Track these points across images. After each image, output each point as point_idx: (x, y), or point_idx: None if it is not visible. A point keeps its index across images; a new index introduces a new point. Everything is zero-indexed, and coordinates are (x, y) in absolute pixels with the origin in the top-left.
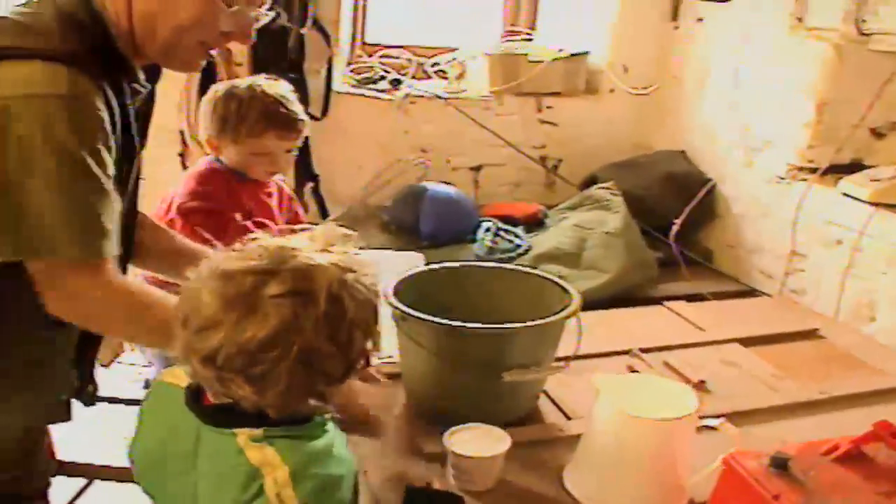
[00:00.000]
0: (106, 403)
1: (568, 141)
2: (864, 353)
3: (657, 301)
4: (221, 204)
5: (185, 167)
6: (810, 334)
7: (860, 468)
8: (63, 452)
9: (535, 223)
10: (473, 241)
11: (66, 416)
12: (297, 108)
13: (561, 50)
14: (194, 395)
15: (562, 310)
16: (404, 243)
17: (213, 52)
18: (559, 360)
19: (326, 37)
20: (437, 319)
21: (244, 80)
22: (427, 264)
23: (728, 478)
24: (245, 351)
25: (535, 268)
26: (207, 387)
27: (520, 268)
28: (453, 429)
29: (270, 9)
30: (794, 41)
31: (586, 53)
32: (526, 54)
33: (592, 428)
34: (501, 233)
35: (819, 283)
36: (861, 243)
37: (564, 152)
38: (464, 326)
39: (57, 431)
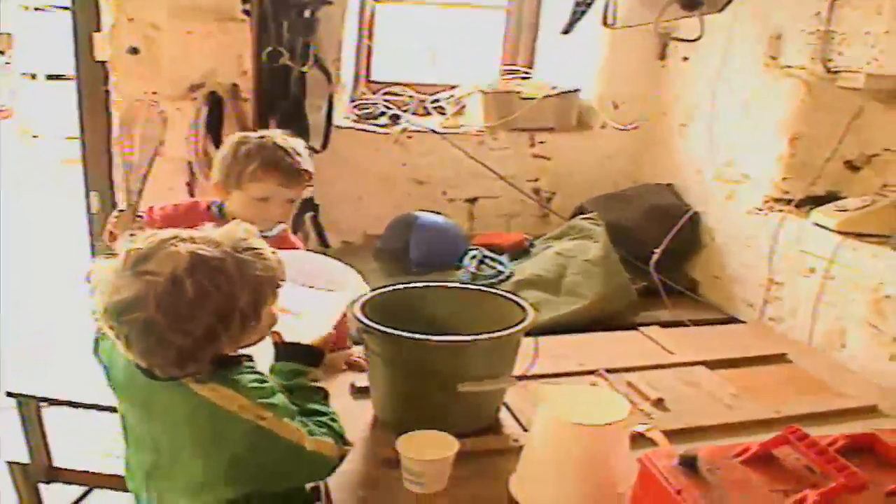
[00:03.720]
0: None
1: (561, 174)
2: (829, 378)
3: (637, 327)
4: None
5: (191, 195)
6: (778, 359)
7: (766, 469)
8: (60, 460)
9: (520, 251)
10: (460, 268)
11: None
12: (305, 161)
13: (554, 87)
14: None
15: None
16: (394, 270)
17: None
18: (519, 377)
19: (327, 75)
20: (395, 332)
21: (260, 132)
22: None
23: (643, 475)
24: (112, 311)
25: (516, 293)
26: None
27: (482, 287)
28: (406, 435)
29: (273, 50)
30: (768, 78)
31: (577, 90)
32: (519, 91)
33: (532, 435)
34: (487, 260)
35: (795, 311)
36: (832, 271)
37: (557, 185)
38: (421, 339)
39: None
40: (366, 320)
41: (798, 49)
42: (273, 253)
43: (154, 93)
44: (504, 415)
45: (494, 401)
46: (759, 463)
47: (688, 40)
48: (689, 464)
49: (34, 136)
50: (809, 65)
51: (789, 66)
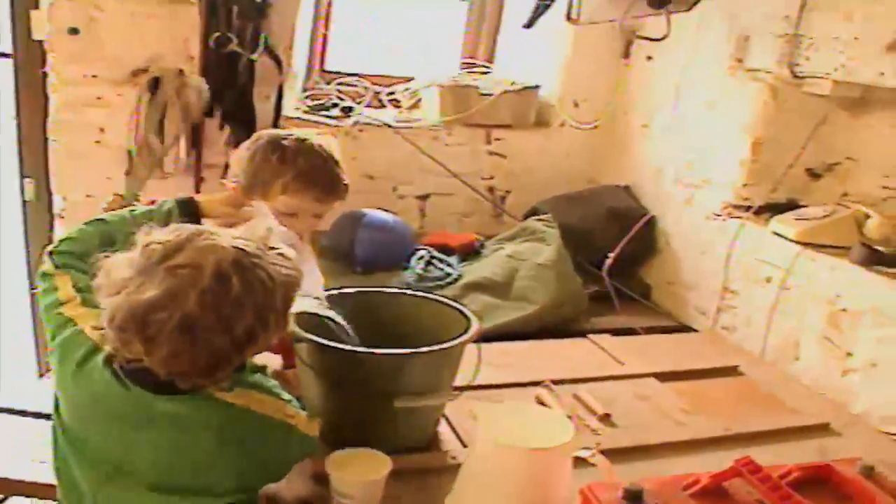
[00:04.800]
0: (19, 417)
1: (516, 173)
2: (782, 392)
3: (587, 334)
4: None
5: None
6: (730, 371)
7: (716, 503)
8: None
9: (470, 253)
10: (407, 268)
11: None
12: (343, 170)
13: (513, 83)
14: (141, 373)
15: (458, 336)
16: (338, 269)
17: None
18: (457, 388)
19: (278, 63)
20: (325, 342)
21: (292, 131)
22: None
23: None
24: (136, 312)
25: (463, 297)
26: (114, 350)
27: (424, 294)
28: (336, 453)
29: (221, 35)
30: (733, 81)
31: (537, 87)
32: (477, 86)
33: (470, 456)
34: (434, 261)
35: (749, 321)
36: (788, 282)
37: (513, 184)
38: (352, 351)
39: None
40: (296, 329)
41: (765, 52)
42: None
43: (94, 76)
44: (444, 428)
45: (433, 415)
46: (709, 497)
47: (654, 39)
48: (634, 498)
49: None
50: (776, 69)
51: (755, 70)
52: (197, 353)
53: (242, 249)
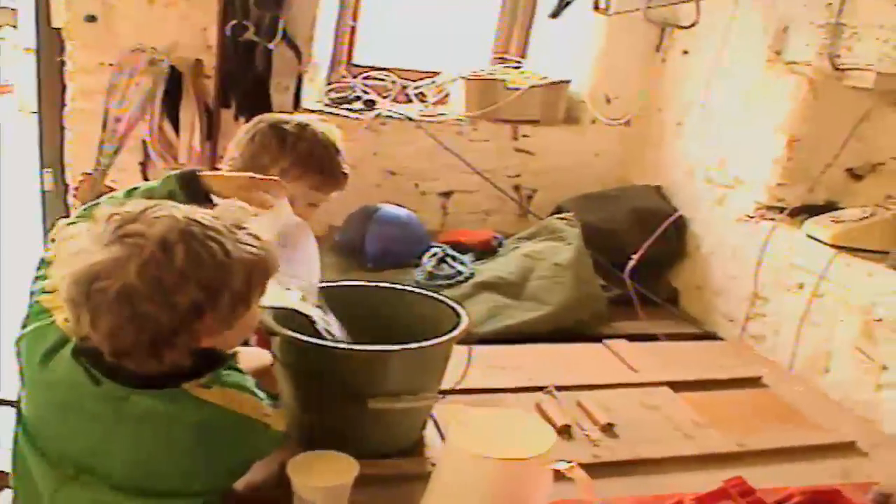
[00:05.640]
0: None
1: (544, 171)
2: (807, 407)
3: (605, 339)
4: None
5: (145, 178)
6: (752, 383)
7: None
8: None
9: (487, 251)
10: (418, 265)
11: None
12: (344, 159)
13: (542, 77)
14: (116, 368)
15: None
16: (350, 265)
17: None
18: (446, 391)
19: (297, 53)
20: (295, 336)
21: (294, 116)
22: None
23: None
24: (80, 280)
25: (473, 296)
26: (73, 332)
27: (417, 290)
28: (301, 455)
29: (238, 24)
30: (771, 75)
31: (567, 82)
32: (503, 80)
33: (440, 464)
34: (448, 259)
35: (778, 330)
36: (821, 289)
37: (540, 182)
38: (324, 346)
39: None
40: (268, 322)
41: (805, 43)
42: (269, 239)
43: (111, 64)
44: (432, 433)
45: (417, 418)
46: None
47: (682, 27)
48: None
49: (33, 112)
50: (816, 61)
51: (794, 62)
52: (138, 327)
53: (197, 221)
